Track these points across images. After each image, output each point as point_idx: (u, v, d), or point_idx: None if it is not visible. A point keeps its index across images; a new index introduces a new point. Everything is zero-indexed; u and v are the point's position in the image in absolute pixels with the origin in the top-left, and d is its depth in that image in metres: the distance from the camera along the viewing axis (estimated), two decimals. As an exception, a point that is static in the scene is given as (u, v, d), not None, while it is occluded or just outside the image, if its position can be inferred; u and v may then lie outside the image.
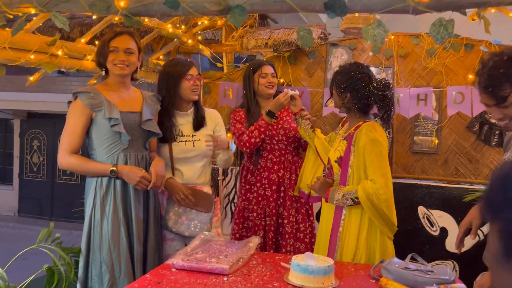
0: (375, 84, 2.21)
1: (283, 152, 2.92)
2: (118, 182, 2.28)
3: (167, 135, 2.56)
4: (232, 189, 3.62)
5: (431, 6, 1.23)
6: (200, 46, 3.57)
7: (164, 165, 2.42)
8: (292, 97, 2.66)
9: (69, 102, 2.31)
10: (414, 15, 1.15)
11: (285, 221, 2.88)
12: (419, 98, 2.95)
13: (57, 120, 8.35)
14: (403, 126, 3.37)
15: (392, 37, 3.38)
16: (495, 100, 1.56)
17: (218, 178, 3.67)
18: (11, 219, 9.92)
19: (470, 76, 3.17)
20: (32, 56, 2.30)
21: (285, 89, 2.69)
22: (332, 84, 2.33)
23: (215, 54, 3.74)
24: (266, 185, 2.91)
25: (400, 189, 3.25)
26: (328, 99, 2.42)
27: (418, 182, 3.25)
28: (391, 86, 2.26)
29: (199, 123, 2.64)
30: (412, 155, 3.36)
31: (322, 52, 3.54)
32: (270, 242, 2.86)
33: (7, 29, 2.15)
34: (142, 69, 3.31)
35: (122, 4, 1.45)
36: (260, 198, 2.91)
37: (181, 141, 2.59)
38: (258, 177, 2.92)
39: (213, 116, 2.74)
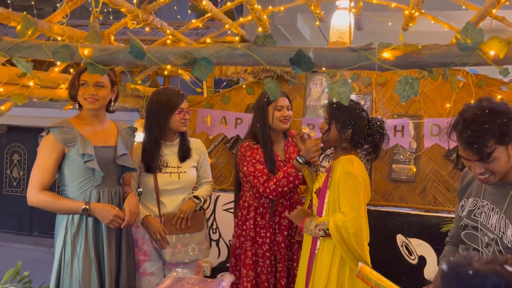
0: (378, 123, 2.27)
1: (292, 193, 2.72)
2: (90, 219, 2.22)
3: (152, 165, 2.54)
4: (210, 215, 3.57)
5: (397, 64, 1.22)
6: (180, 71, 3.54)
7: (138, 201, 2.38)
8: (304, 136, 2.63)
9: (41, 136, 2.26)
10: (380, 72, 1.14)
11: (295, 264, 2.73)
12: (396, 130, 2.96)
13: (38, 134, 8.18)
14: (381, 154, 3.35)
15: (371, 64, 3.39)
16: (479, 156, 1.52)
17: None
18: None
19: (448, 105, 3.19)
20: (1, 89, 2.24)
21: (303, 126, 2.68)
22: (331, 119, 2.27)
23: (195, 78, 3.71)
24: (277, 231, 2.69)
25: (378, 217, 3.25)
26: (324, 133, 2.31)
27: (397, 210, 3.25)
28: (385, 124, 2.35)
29: (184, 154, 2.63)
30: (390, 183, 3.36)
31: (302, 78, 3.53)
32: None
33: (-26, 63, 2.09)
34: (122, 94, 3.28)
35: (86, 52, 1.41)
36: (272, 244, 2.68)
37: (166, 172, 2.57)
38: (271, 222, 2.68)
39: (197, 147, 2.72)
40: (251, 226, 2.67)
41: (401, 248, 3.20)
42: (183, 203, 2.60)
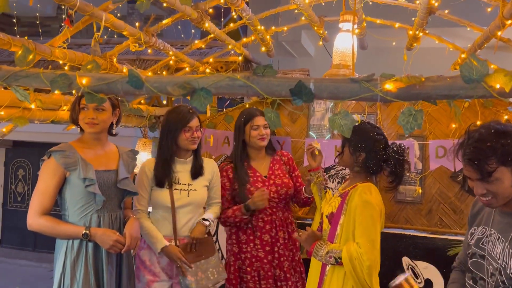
0: (395, 148, 2.20)
1: (274, 210, 2.78)
2: (90, 244, 2.19)
3: (164, 181, 2.56)
4: (214, 234, 3.53)
5: (400, 96, 1.19)
6: (182, 91, 3.52)
7: (139, 226, 2.35)
8: (315, 151, 2.62)
9: (42, 160, 2.24)
10: (383, 103, 1.11)
11: (289, 282, 2.75)
12: (401, 151, 2.90)
13: (43, 149, 8.17)
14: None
15: (375, 84, 3.36)
16: (480, 174, 1.51)
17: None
18: (-7, 250, 9.68)
19: (453, 125, 3.15)
20: (2, 113, 2.23)
21: (310, 143, 2.66)
22: (345, 141, 2.25)
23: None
24: (259, 246, 2.75)
25: (384, 239, 3.15)
26: (338, 155, 2.33)
27: (402, 232, 3.19)
28: (407, 151, 2.25)
29: (196, 171, 2.64)
30: (396, 204, 3.30)
31: (305, 97, 3.50)
32: None
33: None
34: (124, 114, 3.27)
35: (84, 82, 1.39)
36: (253, 260, 2.76)
37: (176, 189, 2.58)
38: (251, 237, 2.77)
39: (210, 166, 2.73)
40: (234, 241, 2.80)
41: (407, 271, 3.14)
42: (190, 223, 2.59)
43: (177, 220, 2.56)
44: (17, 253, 9.05)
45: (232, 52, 3.55)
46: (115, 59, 2.61)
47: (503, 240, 1.61)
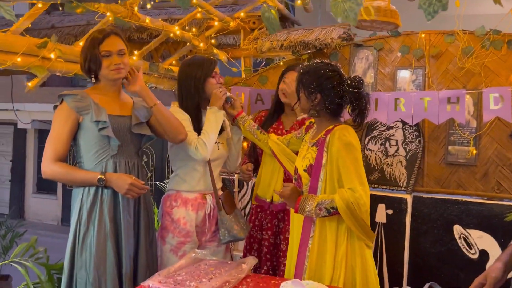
0: (348, 82, 2.01)
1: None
2: (106, 192, 2.10)
3: (199, 131, 2.39)
4: (248, 202, 3.37)
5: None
6: (215, 51, 3.37)
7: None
8: (229, 99, 2.46)
9: (55, 107, 2.17)
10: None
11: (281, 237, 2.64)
12: (450, 102, 2.58)
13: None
14: (435, 135, 2.99)
15: (423, 35, 3.03)
16: None
17: (234, 190, 3.44)
18: (55, 228, 10.14)
19: (514, 77, 2.77)
20: (18, 59, 2.18)
21: (227, 93, 2.47)
22: (298, 85, 2.11)
23: (233, 59, 3.53)
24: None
25: (433, 206, 2.89)
26: (295, 103, 2.20)
27: (454, 197, 2.87)
28: (364, 83, 2.07)
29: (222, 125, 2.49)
30: (446, 167, 2.97)
31: (345, 53, 3.24)
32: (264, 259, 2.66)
33: (-13, 29, 2.03)
34: (155, 75, 3.18)
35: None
36: (258, 209, 2.72)
37: None
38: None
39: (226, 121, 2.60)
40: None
41: (458, 241, 2.82)
42: (220, 178, 2.53)
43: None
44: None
45: (265, 5, 3.34)
46: (136, 8, 2.48)
47: None
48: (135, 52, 3.01)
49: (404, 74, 3.08)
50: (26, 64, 2.25)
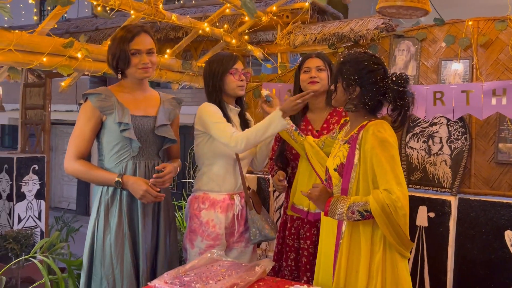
0: (393, 78, 1.81)
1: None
2: (124, 192, 2.10)
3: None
4: (283, 203, 3.27)
5: None
6: (249, 47, 3.30)
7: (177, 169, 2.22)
8: (268, 97, 2.29)
9: (80, 104, 2.19)
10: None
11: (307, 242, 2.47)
12: (495, 94, 2.33)
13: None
14: (484, 131, 2.73)
15: (470, 23, 2.78)
16: None
17: (269, 190, 3.36)
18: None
19: None
20: (44, 59, 2.23)
21: (262, 90, 2.33)
22: (336, 74, 1.90)
23: (270, 55, 3.44)
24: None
25: (481, 209, 2.63)
26: (331, 94, 1.96)
27: (505, 200, 2.60)
28: (410, 82, 1.88)
29: (245, 122, 2.43)
30: (496, 166, 2.70)
31: (385, 45, 3.04)
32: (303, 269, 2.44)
33: (13, 31, 2.09)
34: (190, 73, 3.17)
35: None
36: (294, 217, 2.51)
37: None
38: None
39: (250, 118, 2.53)
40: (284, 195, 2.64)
41: (510, 248, 2.55)
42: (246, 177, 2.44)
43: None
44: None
45: (298, -3, 3.22)
46: (161, 5, 2.47)
47: None
48: (168, 51, 3.01)
49: (449, 66, 2.84)
50: (53, 64, 2.29)
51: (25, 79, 3.91)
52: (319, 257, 2.02)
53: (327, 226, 1.95)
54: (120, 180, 2.05)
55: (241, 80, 2.34)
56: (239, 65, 2.34)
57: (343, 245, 1.80)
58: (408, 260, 1.86)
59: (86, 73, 2.53)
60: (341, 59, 1.90)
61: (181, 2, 2.60)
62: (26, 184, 3.75)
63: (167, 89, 5.97)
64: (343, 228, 1.81)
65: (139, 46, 2.11)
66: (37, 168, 3.82)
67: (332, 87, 1.94)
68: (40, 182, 3.86)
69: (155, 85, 6.14)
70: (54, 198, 10.95)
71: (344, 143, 1.90)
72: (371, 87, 1.81)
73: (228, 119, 2.30)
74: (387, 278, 1.74)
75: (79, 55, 2.40)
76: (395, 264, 1.77)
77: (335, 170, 1.88)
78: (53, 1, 1.87)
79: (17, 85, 4.10)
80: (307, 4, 3.10)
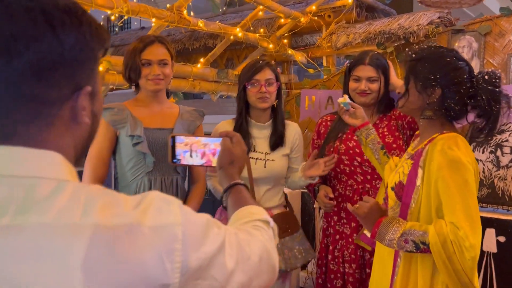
0: (486, 77, 1.43)
1: (368, 177, 2.17)
2: None
3: None
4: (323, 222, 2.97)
5: None
6: (290, 51, 3.05)
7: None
8: (346, 105, 1.87)
9: None
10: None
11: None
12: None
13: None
14: None
15: (546, 10, 2.35)
16: None
17: (314, 206, 3.08)
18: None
19: None
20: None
21: (341, 97, 1.94)
22: (408, 75, 1.52)
23: (312, 59, 3.17)
24: (345, 221, 2.23)
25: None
26: (400, 98, 1.58)
27: None
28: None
29: (276, 140, 2.19)
30: None
31: (442, 41, 2.66)
32: None
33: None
34: (228, 82, 3.00)
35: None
36: (337, 237, 2.25)
37: (252, 157, 2.17)
38: (336, 208, 2.23)
39: (292, 132, 2.25)
40: (323, 214, 2.40)
41: None
42: (268, 194, 2.18)
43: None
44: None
45: (339, -6, 2.91)
46: (185, 11, 2.30)
47: None
48: (201, 60, 2.85)
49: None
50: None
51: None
52: (371, 285, 1.72)
53: (382, 254, 1.63)
54: None
55: (261, 92, 2.11)
56: (261, 75, 2.11)
57: (397, 283, 1.48)
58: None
59: (111, 86, 2.42)
60: (413, 56, 1.53)
61: (224, 9, 2.44)
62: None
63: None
64: (399, 260, 1.49)
65: (150, 56, 1.97)
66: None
67: (402, 89, 1.56)
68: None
69: (192, 97, 6.02)
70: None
71: (408, 158, 1.56)
72: (457, 88, 1.45)
73: (246, 135, 2.10)
74: None
75: (100, 68, 2.29)
76: None
77: (392, 189, 1.55)
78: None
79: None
80: (350, 0, 2.79)
